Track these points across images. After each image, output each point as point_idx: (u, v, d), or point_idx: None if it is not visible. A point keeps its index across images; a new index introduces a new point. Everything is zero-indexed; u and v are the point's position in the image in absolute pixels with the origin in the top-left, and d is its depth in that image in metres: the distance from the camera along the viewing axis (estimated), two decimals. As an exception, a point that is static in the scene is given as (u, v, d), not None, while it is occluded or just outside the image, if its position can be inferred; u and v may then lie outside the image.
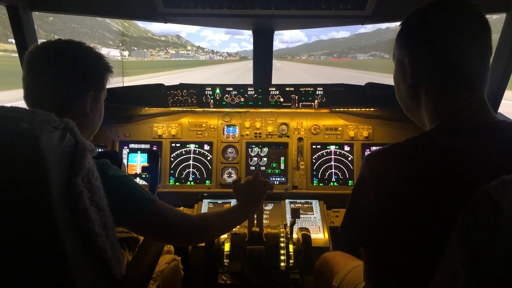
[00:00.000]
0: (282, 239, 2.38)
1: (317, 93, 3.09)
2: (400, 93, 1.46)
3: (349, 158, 3.33)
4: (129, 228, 1.85)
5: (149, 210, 1.61)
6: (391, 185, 1.21)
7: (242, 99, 3.10)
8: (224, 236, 2.45)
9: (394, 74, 1.47)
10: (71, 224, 1.33)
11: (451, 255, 1.04)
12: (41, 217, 1.25)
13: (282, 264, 2.32)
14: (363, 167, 1.31)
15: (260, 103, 3.12)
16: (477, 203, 0.98)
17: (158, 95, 3.06)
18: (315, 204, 3.18)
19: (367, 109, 3.25)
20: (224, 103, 3.11)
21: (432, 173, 1.16)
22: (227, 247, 2.38)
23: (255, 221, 2.38)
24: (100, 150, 3.04)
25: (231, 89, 3.09)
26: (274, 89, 3.10)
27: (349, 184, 3.29)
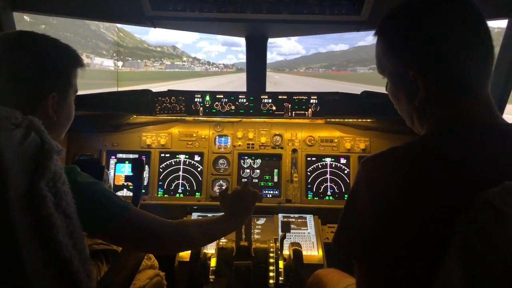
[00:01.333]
0: (271, 254, 2.24)
1: (311, 101, 2.97)
2: (403, 107, 1.34)
3: (345, 171, 3.20)
4: (104, 239, 1.73)
5: (123, 218, 1.51)
6: (388, 192, 1.12)
7: (233, 107, 2.99)
8: (212, 251, 2.33)
9: (391, 89, 1.36)
10: (33, 233, 1.21)
11: (450, 268, 0.95)
12: None
13: (271, 281, 2.18)
14: (359, 173, 1.21)
15: (251, 111, 3.00)
16: (477, 211, 0.91)
17: (145, 102, 2.94)
18: (309, 219, 3.04)
19: (364, 120, 3.14)
20: (214, 110, 2.99)
21: (430, 178, 1.08)
22: (213, 262, 2.25)
23: (243, 235, 2.24)
24: (80, 158, 2.93)
25: (222, 96, 2.98)
26: (266, 97, 2.99)
27: (345, 198, 3.12)
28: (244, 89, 3.24)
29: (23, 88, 1.44)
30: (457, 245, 0.94)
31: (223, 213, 2.02)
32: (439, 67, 1.18)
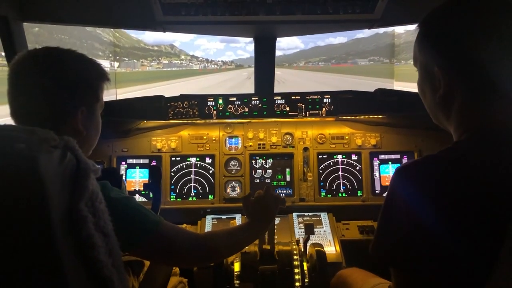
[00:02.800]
0: (295, 257, 2.23)
1: (324, 101, 2.97)
2: (428, 102, 1.34)
3: (357, 168, 3.21)
4: (134, 254, 1.71)
5: (155, 233, 1.52)
6: (426, 201, 1.10)
7: (246, 109, 2.97)
8: (234, 256, 2.31)
9: (419, 81, 1.35)
10: (74, 253, 1.21)
11: (502, 279, 0.95)
12: (41, 247, 1.13)
13: (297, 283, 2.18)
14: (393, 182, 1.20)
15: (265, 113, 2.99)
16: None
17: (158, 108, 2.92)
18: (324, 216, 3.06)
19: (375, 116, 3.14)
20: (228, 113, 2.98)
21: (470, 187, 1.06)
22: (236, 267, 2.24)
23: (266, 238, 2.24)
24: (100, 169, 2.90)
25: (234, 99, 2.96)
26: (279, 98, 2.98)
27: (358, 194, 3.16)
28: (246, 85, 3.21)
29: (53, 105, 1.43)
30: (509, 255, 0.94)
31: (246, 221, 2.01)
32: (464, 68, 1.17)
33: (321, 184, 3.19)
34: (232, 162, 3.23)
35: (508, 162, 1.07)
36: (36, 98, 1.42)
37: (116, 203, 1.42)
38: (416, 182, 1.14)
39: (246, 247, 2.26)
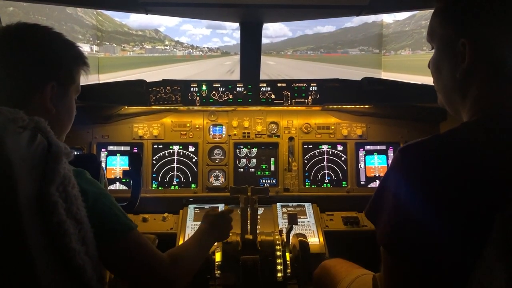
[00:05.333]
0: (278, 247, 2.19)
1: (310, 89, 2.91)
2: (443, 81, 1.26)
3: (343, 158, 3.18)
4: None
5: (123, 238, 1.40)
6: (428, 182, 1.05)
7: (231, 96, 2.90)
8: (215, 244, 2.25)
9: (435, 58, 1.27)
10: (44, 240, 1.16)
11: (488, 269, 0.92)
12: (9, 234, 1.09)
13: (279, 274, 2.14)
14: (396, 159, 1.13)
15: (250, 100, 2.92)
16: None
17: (139, 92, 2.82)
18: (308, 207, 3.02)
19: (361, 106, 3.10)
20: (211, 100, 2.90)
21: (468, 172, 1.02)
22: (218, 256, 2.19)
23: (249, 228, 2.19)
24: (76, 153, 2.81)
25: (219, 85, 2.89)
26: (264, 85, 2.91)
27: (343, 185, 3.13)
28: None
29: (19, 78, 1.34)
30: (495, 245, 0.91)
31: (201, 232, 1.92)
32: (491, 42, 1.11)
33: (306, 174, 3.15)
34: (216, 151, 3.16)
35: (510, 151, 1.03)
36: (3, 71, 1.33)
37: (88, 196, 1.32)
38: (421, 162, 1.08)
39: (228, 237, 2.21)
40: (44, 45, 1.39)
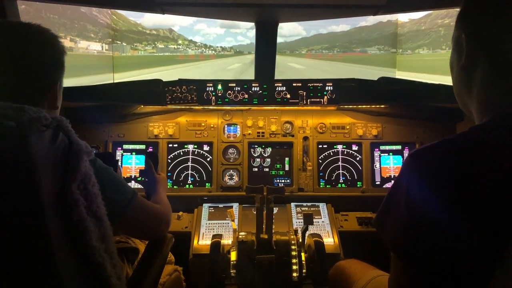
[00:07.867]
0: (293, 247, 2.19)
1: (326, 88, 2.90)
2: (453, 77, 1.27)
3: (357, 158, 3.16)
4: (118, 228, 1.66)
5: (135, 203, 1.56)
6: (433, 191, 1.03)
7: (246, 96, 2.90)
8: (229, 242, 2.34)
9: (450, 56, 1.29)
10: (65, 238, 1.17)
11: (508, 278, 0.90)
12: (31, 231, 1.10)
13: (295, 274, 2.14)
14: (407, 165, 1.10)
15: (265, 100, 2.92)
16: None
17: (156, 92, 2.84)
18: (323, 207, 3.01)
19: (377, 106, 3.08)
20: (227, 100, 2.91)
21: (485, 172, 0.98)
22: (233, 256, 2.19)
23: (264, 228, 2.19)
24: (94, 152, 2.85)
25: (234, 85, 2.89)
26: (280, 84, 2.91)
27: (358, 185, 3.11)
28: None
29: (37, 77, 1.36)
30: None
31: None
32: (491, 38, 1.09)
33: (321, 174, 3.14)
34: (230, 150, 3.17)
35: None
36: (16, 70, 1.33)
37: (102, 171, 1.41)
38: (433, 167, 1.07)
39: (243, 237, 2.22)
40: (54, 45, 1.41)
